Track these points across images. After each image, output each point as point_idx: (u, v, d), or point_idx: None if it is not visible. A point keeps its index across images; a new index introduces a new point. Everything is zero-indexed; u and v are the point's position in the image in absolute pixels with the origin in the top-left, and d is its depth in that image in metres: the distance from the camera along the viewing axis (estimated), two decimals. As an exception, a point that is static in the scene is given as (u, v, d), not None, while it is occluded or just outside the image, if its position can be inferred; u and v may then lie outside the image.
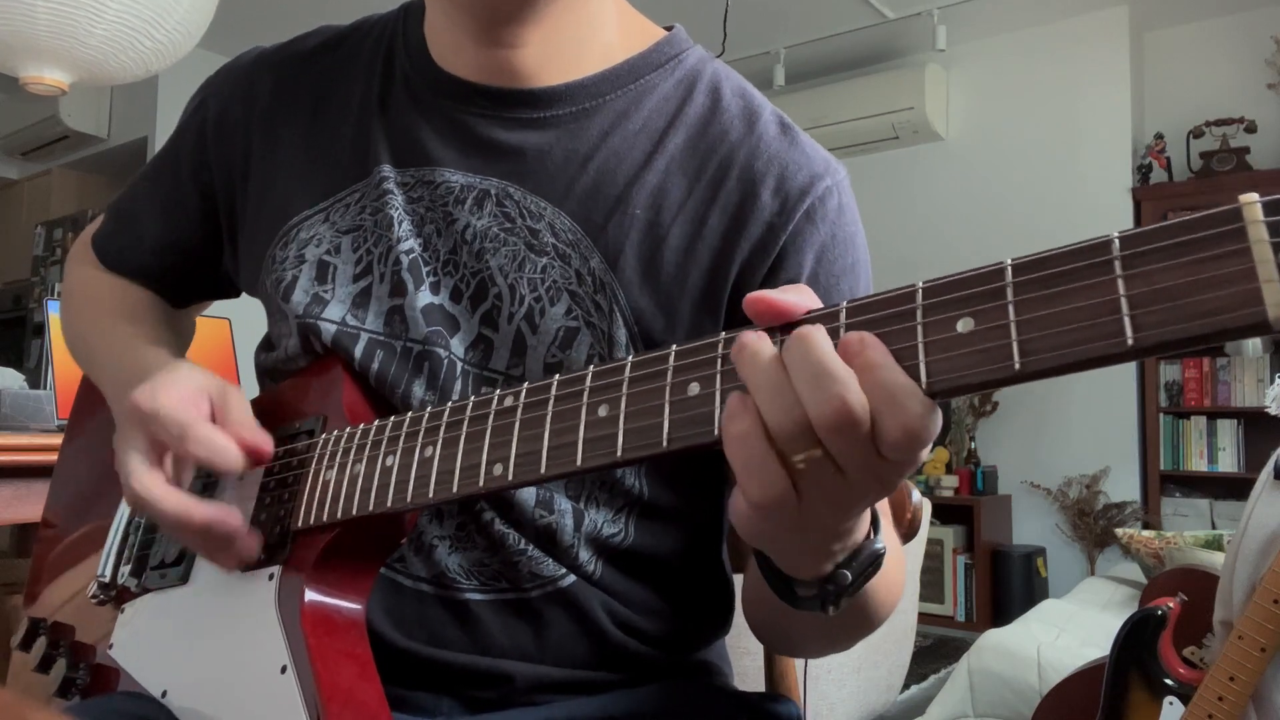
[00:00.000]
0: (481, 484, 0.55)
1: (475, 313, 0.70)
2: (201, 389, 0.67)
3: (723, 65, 0.77)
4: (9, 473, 1.57)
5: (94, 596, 0.75)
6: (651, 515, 0.72)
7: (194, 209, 0.83)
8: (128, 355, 0.78)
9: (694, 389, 0.47)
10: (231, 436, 0.64)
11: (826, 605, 0.51)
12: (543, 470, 0.52)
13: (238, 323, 2.40)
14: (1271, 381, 3.66)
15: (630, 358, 0.51)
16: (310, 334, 0.72)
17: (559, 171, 0.70)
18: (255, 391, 0.82)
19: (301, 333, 0.72)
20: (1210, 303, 0.35)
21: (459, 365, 0.69)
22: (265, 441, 0.65)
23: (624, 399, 0.50)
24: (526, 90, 0.71)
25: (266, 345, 0.80)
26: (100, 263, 0.90)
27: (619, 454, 0.49)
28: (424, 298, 0.70)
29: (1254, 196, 0.35)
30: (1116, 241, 0.37)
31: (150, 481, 0.63)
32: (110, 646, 0.73)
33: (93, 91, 5.03)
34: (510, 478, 0.53)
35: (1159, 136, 4.16)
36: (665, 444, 0.47)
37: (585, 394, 0.51)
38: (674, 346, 0.49)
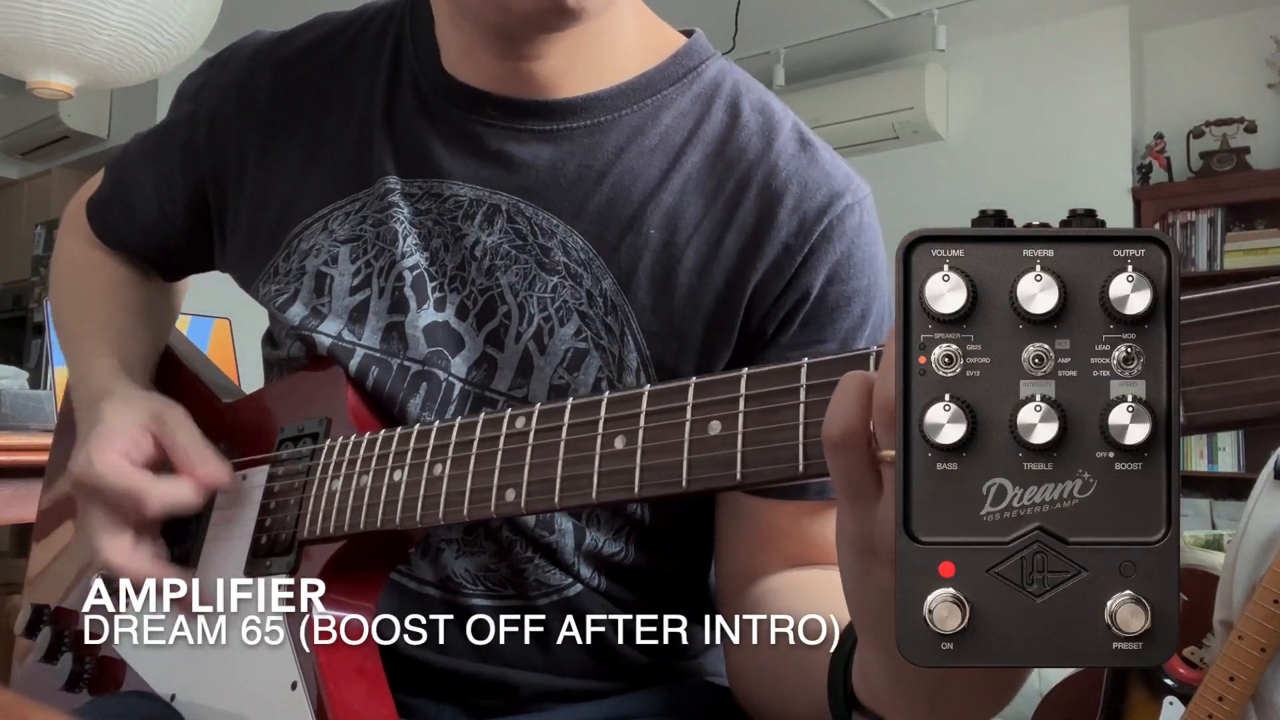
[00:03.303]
0: (494, 509, 0.54)
1: (481, 331, 0.68)
2: (139, 427, 0.68)
3: (744, 76, 0.74)
4: (9, 473, 1.57)
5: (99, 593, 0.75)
6: (652, 538, 0.72)
7: (182, 200, 0.82)
8: (81, 370, 0.79)
9: (715, 428, 0.46)
10: (183, 471, 0.66)
11: None
12: (557, 501, 0.51)
13: (238, 322, 2.39)
14: (1271, 381, 3.66)
15: (647, 388, 0.49)
16: (309, 345, 0.71)
17: (572, 188, 0.68)
18: (261, 384, 0.82)
19: (303, 342, 0.72)
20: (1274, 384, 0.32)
21: (458, 386, 0.68)
22: (217, 471, 0.66)
23: (641, 433, 0.48)
24: (541, 102, 0.69)
25: (270, 340, 0.79)
26: (91, 231, 0.89)
27: (636, 491, 0.48)
28: (427, 315, 0.69)
29: None
30: None
31: (130, 558, 0.66)
32: (116, 642, 0.73)
33: (93, 92, 5.02)
34: (523, 506, 0.52)
35: (1159, 136, 4.16)
36: (685, 484, 0.46)
37: (600, 424, 0.50)
38: (693, 380, 0.47)
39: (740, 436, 0.45)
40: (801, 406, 0.44)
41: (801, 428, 0.44)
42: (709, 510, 0.75)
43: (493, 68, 0.69)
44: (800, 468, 0.44)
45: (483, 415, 0.57)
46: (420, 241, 0.70)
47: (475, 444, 0.56)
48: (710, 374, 0.48)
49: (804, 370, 0.44)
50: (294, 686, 0.60)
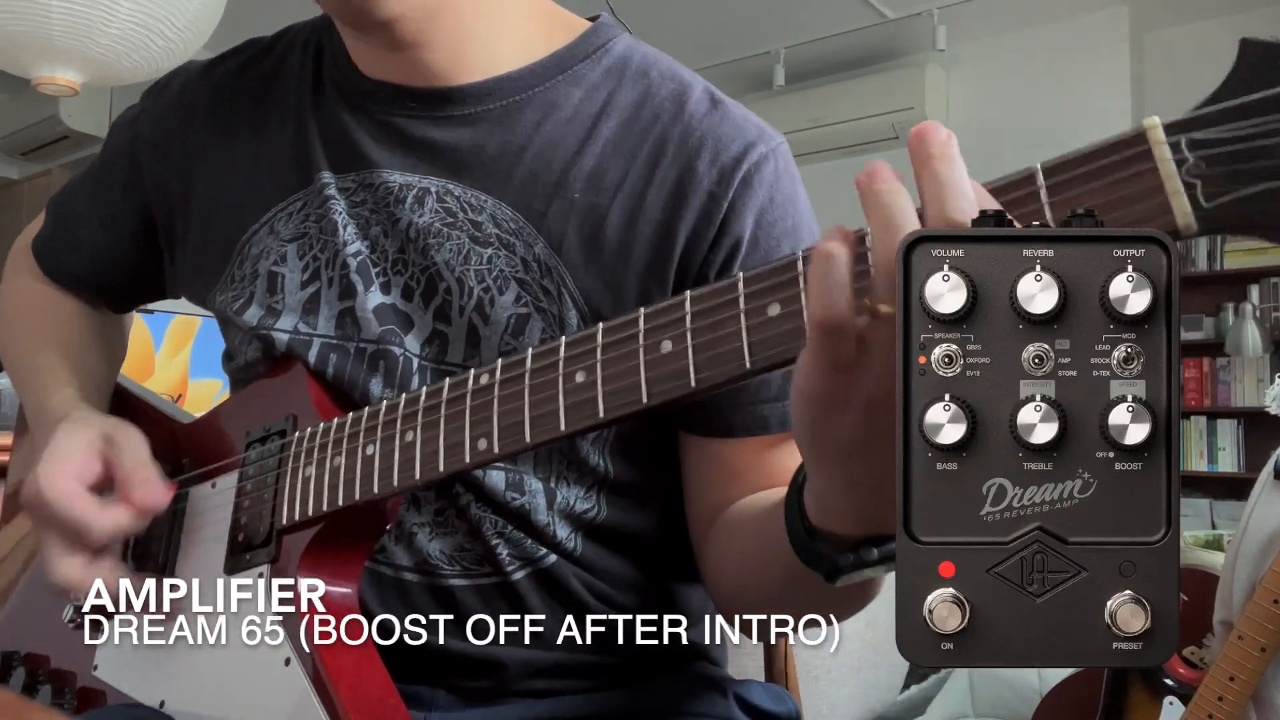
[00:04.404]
0: (468, 459, 0.56)
1: (428, 309, 0.71)
2: (88, 448, 0.69)
3: (651, 49, 0.77)
4: (8, 473, 1.57)
5: (71, 621, 0.74)
6: (621, 492, 0.73)
7: (128, 226, 0.85)
8: (41, 399, 0.80)
9: (667, 346, 0.50)
10: (122, 493, 0.67)
11: (835, 574, 0.48)
12: (528, 439, 0.54)
13: (238, 323, 2.39)
14: (1271, 381, 3.66)
15: (600, 325, 0.53)
16: (267, 344, 0.73)
17: (495, 164, 0.72)
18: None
19: (261, 341, 0.74)
20: (1128, 217, 0.38)
21: (415, 361, 0.70)
22: (155, 493, 0.68)
23: (599, 364, 0.52)
24: (455, 88, 0.72)
25: (227, 356, 0.81)
26: (38, 267, 0.91)
27: (601, 415, 0.52)
28: (375, 298, 0.71)
29: (1156, 120, 0.40)
30: (1040, 171, 0.40)
31: (83, 575, 0.67)
32: (95, 668, 0.73)
33: (93, 91, 5.02)
34: (496, 450, 0.55)
35: (1159, 136, 4.16)
36: (645, 399, 0.50)
37: (560, 364, 0.54)
38: (642, 310, 0.51)
39: (690, 349, 0.49)
40: (742, 314, 0.48)
41: (744, 330, 0.48)
42: (675, 463, 0.76)
43: (392, 62, 0.72)
44: (748, 365, 0.48)
45: (447, 380, 0.59)
46: (359, 230, 0.73)
47: (443, 405, 0.58)
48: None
49: (740, 281, 0.48)
50: (287, 663, 0.60)
